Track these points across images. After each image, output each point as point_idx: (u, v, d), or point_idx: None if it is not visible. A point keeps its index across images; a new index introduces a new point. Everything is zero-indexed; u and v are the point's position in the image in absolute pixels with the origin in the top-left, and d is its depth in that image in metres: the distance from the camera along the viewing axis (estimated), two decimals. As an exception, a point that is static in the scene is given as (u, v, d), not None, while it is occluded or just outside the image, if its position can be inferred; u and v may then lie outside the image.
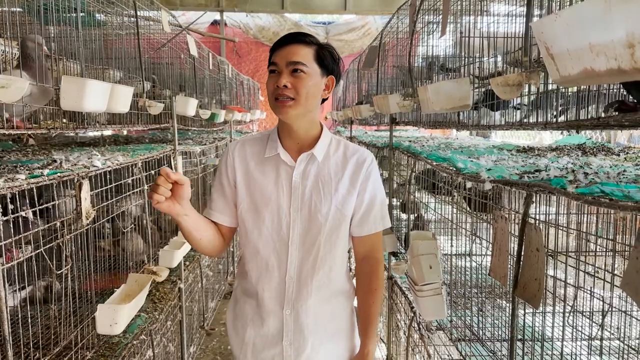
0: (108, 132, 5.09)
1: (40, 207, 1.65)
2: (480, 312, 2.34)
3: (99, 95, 1.84)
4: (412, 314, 2.57)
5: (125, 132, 5.76)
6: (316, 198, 1.56)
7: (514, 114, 1.87)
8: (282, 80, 1.48)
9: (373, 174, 1.63)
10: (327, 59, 1.56)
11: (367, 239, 1.65)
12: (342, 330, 1.68)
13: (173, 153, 3.01)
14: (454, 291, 2.61)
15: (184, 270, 3.19)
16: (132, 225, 2.58)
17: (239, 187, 1.60)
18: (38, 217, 1.73)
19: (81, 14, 2.27)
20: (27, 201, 1.61)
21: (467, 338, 2.12)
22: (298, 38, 1.53)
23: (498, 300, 2.53)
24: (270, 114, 10.57)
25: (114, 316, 1.91)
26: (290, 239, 1.56)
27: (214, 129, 5.52)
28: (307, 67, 1.50)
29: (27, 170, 1.74)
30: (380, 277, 1.69)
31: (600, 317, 2.06)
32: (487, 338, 2.09)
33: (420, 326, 2.45)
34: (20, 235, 1.55)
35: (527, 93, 1.59)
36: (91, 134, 4.87)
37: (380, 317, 3.60)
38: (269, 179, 1.58)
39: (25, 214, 1.57)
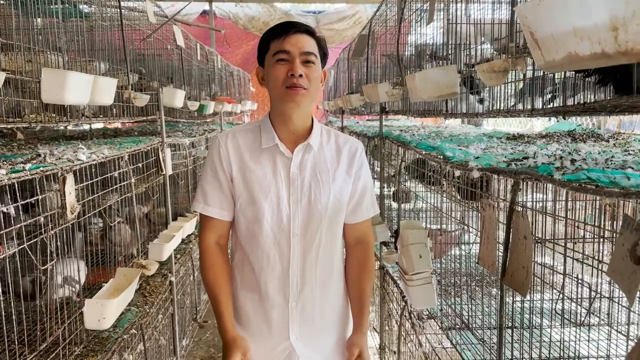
0: (99, 125, 5.03)
1: (24, 202, 1.62)
2: (471, 301, 2.35)
3: (81, 88, 1.81)
4: (404, 303, 2.58)
5: (119, 125, 5.71)
6: (315, 188, 1.56)
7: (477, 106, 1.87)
8: (297, 69, 1.47)
9: (365, 162, 1.67)
10: (325, 52, 1.59)
11: (359, 225, 1.69)
12: (343, 316, 1.71)
13: (161, 146, 2.98)
14: (444, 280, 2.62)
15: (175, 263, 3.17)
16: (119, 219, 2.56)
17: (235, 180, 1.57)
18: (21, 212, 1.70)
19: (65, 6, 2.23)
20: (9, 196, 1.58)
21: (457, 326, 2.12)
22: (306, 29, 1.53)
23: (488, 288, 2.54)
24: (263, 104, 10.51)
25: (102, 311, 1.89)
26: (292, 230, 1.55)
27: (205, 120, 5.47)
28: (316, 58, 1.52)
29: (9, 164, 1.71)
30: (372, 260, 1.73)
31: (591, 303, 2.07)
32: (477, 326, 2.10)
33: (412, 315, 2.45)
34: (2, 232, 1.53)
35: (513, 79, 1.58)
36: (80, 127, 4.81)
37: (372, 306, 3.61)
38: (266, 170, 1.56)
39: (7, 209, 1.54)
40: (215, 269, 1.60)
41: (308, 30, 1.53)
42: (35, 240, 1.69)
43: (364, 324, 1.66)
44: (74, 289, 2.15)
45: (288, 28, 1.50)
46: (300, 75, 1.47)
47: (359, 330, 1.66)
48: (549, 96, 1.63)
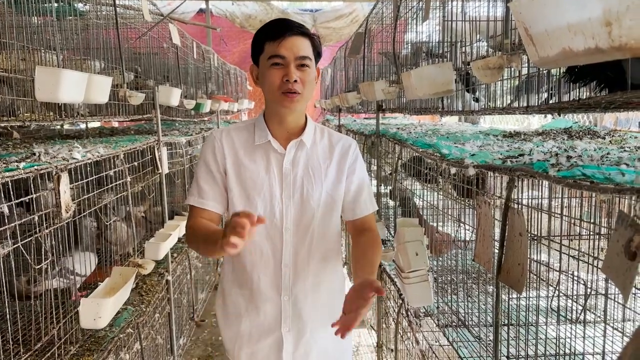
0: (96, 124, 5.01)
1: (17, 200, 1.61)
2: (467, 298, 2.34)
3: (75, 86, 1.80)
4: (401, 301, 2.57)
5: (116, 124, 5.68)
6: (307, 184, 1.57)
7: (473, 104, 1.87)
8: (292, 74, 1.47)
9: (359, 159, 1.68)
10: (320, 52, 1.59)
11: (361, 220, 1.70)
12: (338, 312, 1.68)
13: (157, 144, 2.97)
14: (441, 277, 2.62)
15: (172, 262, 3.17)
16: (116, 218, 2.55)
17: (229, 175, 1.58)
18: (14, 212, 1.69)
19: (60, 4, 2.21)
20: (3, 195, 1.57)
21: (453, 324, 2.12)
22: (301, 30, 1.52)
23: (485, 285, 2.53)
24: (260, 103, 10.49)
25: (98, 310, 1.89)
26: (284, 225, 1.57)
27: (202, 119, 5.46)
28: (311, 61, 1.52)
29: (3, 163, 1.70)
30: (378, 241, 1.67)
31: (589, 301, 2.07)
32: (474, 323, 2.10)
33: (409, 313, 2.45)
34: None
35: (508, 77, 1.57)
36: (76, 126, 4.80)
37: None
38: (259, 167, 1.57)
39: (0, 208, 1.53)
40: (200, 227, 1.53)
41: (303, 32, 1.52)
42: (29, 239, 1.68)
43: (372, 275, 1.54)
44: (75, 282, 2.19)
45: (283, 31, 1.49)
46: (295, 81, 1.48)
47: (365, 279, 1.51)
48: (545, 95, 1.63)
